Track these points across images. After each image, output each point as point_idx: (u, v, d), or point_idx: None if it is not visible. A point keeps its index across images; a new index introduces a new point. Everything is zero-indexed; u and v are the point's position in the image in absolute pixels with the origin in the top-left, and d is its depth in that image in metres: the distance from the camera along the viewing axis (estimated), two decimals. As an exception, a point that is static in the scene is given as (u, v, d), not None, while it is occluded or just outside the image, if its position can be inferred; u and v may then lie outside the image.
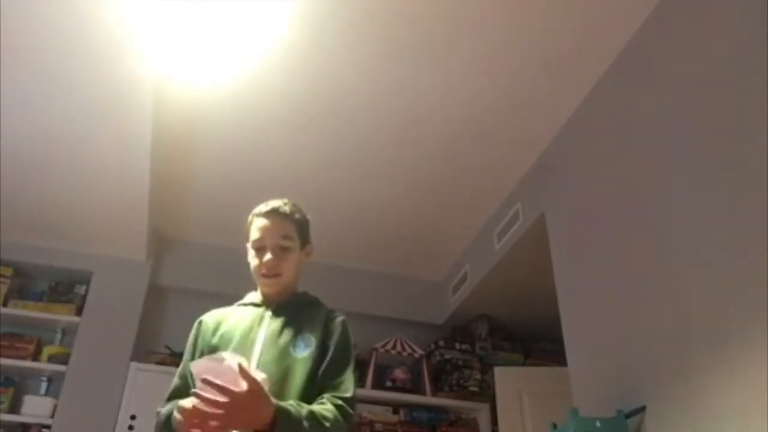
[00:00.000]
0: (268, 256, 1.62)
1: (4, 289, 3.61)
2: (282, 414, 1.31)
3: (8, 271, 3.67)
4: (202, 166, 3.41)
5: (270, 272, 1.63)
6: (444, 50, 2.63)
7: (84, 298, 3.72)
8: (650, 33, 2.42)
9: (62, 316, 3.62)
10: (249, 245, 1.69)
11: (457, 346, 4.02)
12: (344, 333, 1.63)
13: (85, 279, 3.77)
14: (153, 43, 2.42)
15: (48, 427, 3.36)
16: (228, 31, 2.54)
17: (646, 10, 2.40)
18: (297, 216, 1.71)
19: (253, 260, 1.66)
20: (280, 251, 1.64)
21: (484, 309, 4.08)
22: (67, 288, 3.76)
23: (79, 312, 3.67)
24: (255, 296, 1.73)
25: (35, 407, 3.41)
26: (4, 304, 3.58)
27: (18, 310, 3.57)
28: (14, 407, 3.43)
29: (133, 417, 3.37)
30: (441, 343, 4.03)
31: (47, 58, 2.48)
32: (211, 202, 3.68)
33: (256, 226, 1.67)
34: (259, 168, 3.34)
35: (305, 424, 1.34)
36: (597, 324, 2.53)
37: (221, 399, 1.25)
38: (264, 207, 1.69)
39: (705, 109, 2.08)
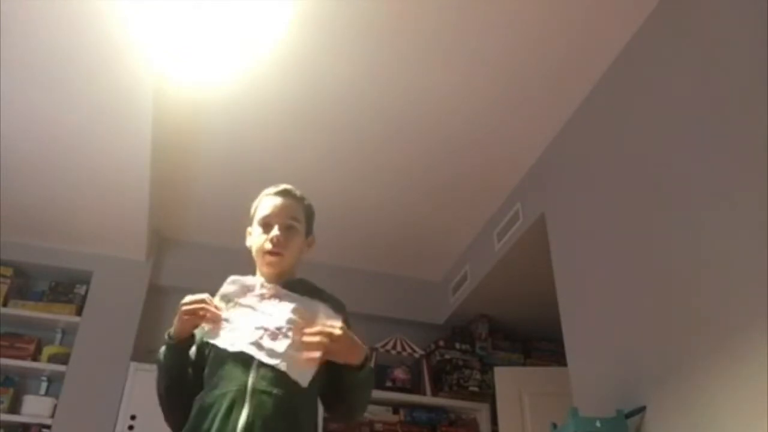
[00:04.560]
0: (275, 231, 1.61)
1: (4, 289, 3.61)
2: (369, 356, 1.54)
3: (8, 271, 3.66)
4: (202, 166, 3.41)
5: (275, 248, 1.61)
6: (444, 51, 2.63)
7: (84, 298, 3.72)
8: (649, 34, 2.42)
9: (62, 316, 3.62)
10: (254, 224, 1.68)
11: (457, 346, 4.01)
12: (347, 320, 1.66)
13: (85, 279, 3.77)
14: (153, 44, 2.42)
15: (48, 427, 3.35)
16: (228, 32, 2.54)
17: (645, 11, 2.41)
18: (306, 203, 1.73)
19: (258, 238, 1.65)
20: (287, 230, 1.63)
21: (484, 309, 4.07)
22: (67, 288, 3.76)
23: (79, 312, 3.67)
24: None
25: (35, 407, 3.40)
26: (4, 304, 3.57)
27: (18, 310, 3.57)
28: (14, 407, 3.43)
29: (133, 417, 3.37)
30: (441, 343, 4.03)
31: (47, 59, 2.48)
32: (211, 203, 3.68)
33: (266, 203, 1.67)
34: (258, 168, 3.34)
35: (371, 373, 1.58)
36: (597, 324, 2.53)
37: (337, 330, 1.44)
38: (275, 187, 1.70)
39: (704, 110, 2.08)
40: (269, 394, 1.44)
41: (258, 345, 1.46)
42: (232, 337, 1.49)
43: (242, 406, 1.41)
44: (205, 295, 1.53)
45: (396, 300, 4.24)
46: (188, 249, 4.04)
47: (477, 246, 3.86)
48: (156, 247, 3.97)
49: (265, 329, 1.48)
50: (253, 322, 1.50)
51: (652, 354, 2.16)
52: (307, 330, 1.44)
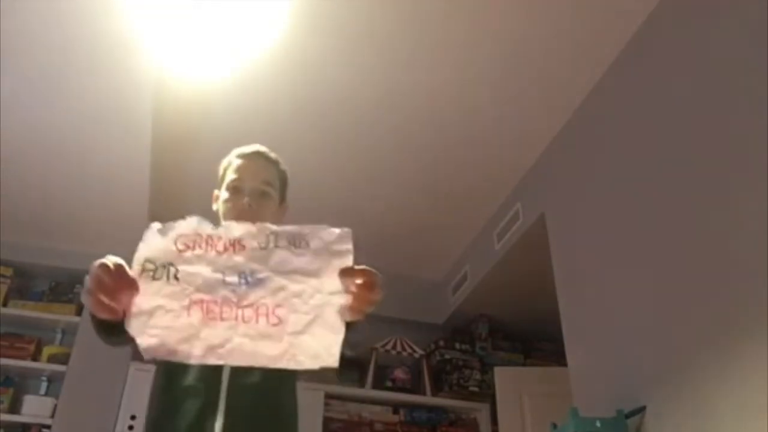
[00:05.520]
0: (245, 199, 1.40)
1: (4, 289, 3.61)
2: None
3: (8, 271, 3.67)
4: (202, 166, 3.40)
5: (246, 216, 1.32)
6: (444, 51, 2.63)
7: (84, 298, 3.72)
8: (650, 33, 2.42)
9: (62, 316, 3.62)
10: (222, 189, 1.48)
11: (457, 346, 4.02)
12: None
13: (85, 279, 3.77)
14: (153, 44, 2.42)
15: (48, 427, 3.35)
16: (228, 30, 2.54)
17: (646, 9, 2.41)
18: (281, 167, 1.53)
19: (225, 204, 1.43)
20: (259, 196, 1.42)
21: (484, 309, 4.07)
22: (67, 288, 3.76)
23: (79, 312, 3.65)
24: None
25: (35, 407, 3.40)
26: (4, 304, 3.58)
27: (18, 310, 3.57)
28: (14, 407, 3.43)
29: (133, 417, 3.37)
30: (441, 343, 4.03)
31: (47, 58, 2.48)
32: (211, 203, 3.67)
33: (235, 166, 1.47)
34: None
35: None
36: (597, 324, 2.53)
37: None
38: (246, 148, 1.52)
39: (705, 110, 2.08)
40: (248, 392, 1.22)
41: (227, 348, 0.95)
42: (173, 336, 0.95)
43: (215, 414, 1.19)
44: (111, 262, 1.04)
45: (396, 300, 4.21)
46: (188, 249, 4.03)
47: (477, 246, 3.86)
48: (156, 247, 3.96)
49: (239, 309, 0.96)
50: (212, 301, 0.98)
51: (652, 354, 2.16)
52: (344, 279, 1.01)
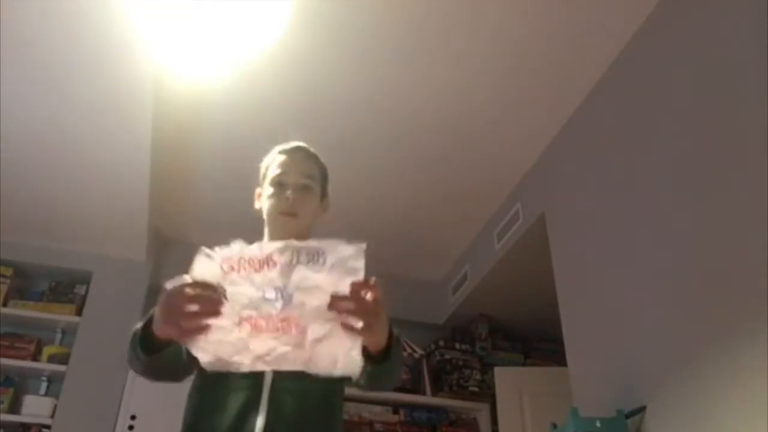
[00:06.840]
0: (289, 191, 1.45)
1: (4, 289, 3.61)
2: (395, 333, 1.23)
3: (8, 271, 3.67)
4: (202, 166, 3.41)
5: (290, 209, 1.43)
6: (444, 50, 2.63)
7: (84, 298, 3.72)
8: (651, 33, 2.43)
9: (62, 316, 3.62)
10: (265, 184, 1.53)
11: (457, 346, 4.02)
12: None
13: (85, 279, 3.77)
14: (153, 43, 2.42)
15: (48, 427, 3.36)
16: (229, 29, 2.53)
17: (646, 9, 2.41)
18: (321, 162, 1.60)
19: (269, 199, 1.47)
20: (302, 189, 1.48)
21: (484, 309, 4.07)
22: (67, 288, 3.76)
23: (79, 312, 3.67)
24: None
25: (35, 407, 3.41)
26: (4, 304, 3.58)
27: (18, 310, 3.57)
28: (14, 407, 3.43)
29: (133, 417, 3.38)
30: (441, 343, 4.03)
31: (48, 58, 2.48)
32: (211, 202, 3.67)
33: (278, 162, 1.53)
34: (260, 167, 3.34)
35: (401, 343, 1.30)
36: (597, 324, 2.53)
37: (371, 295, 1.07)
38: (287, 145, 1.58)
39: (705, 109, 2.08)
40: (291, 391, 1.23)
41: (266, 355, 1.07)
42: (223, 350, 1.08)
43: (257, 410, 1.21)
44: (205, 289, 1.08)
45: (396, 300, 4.18)
46: (188, 249, 4.01)
47: (477, 246, 3.86)
48: (156, 247, 3.96)
49: (268, 319, 1.08)
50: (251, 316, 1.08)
51: (652, 354, 2.16)
52: (336, 298, 1.05)
